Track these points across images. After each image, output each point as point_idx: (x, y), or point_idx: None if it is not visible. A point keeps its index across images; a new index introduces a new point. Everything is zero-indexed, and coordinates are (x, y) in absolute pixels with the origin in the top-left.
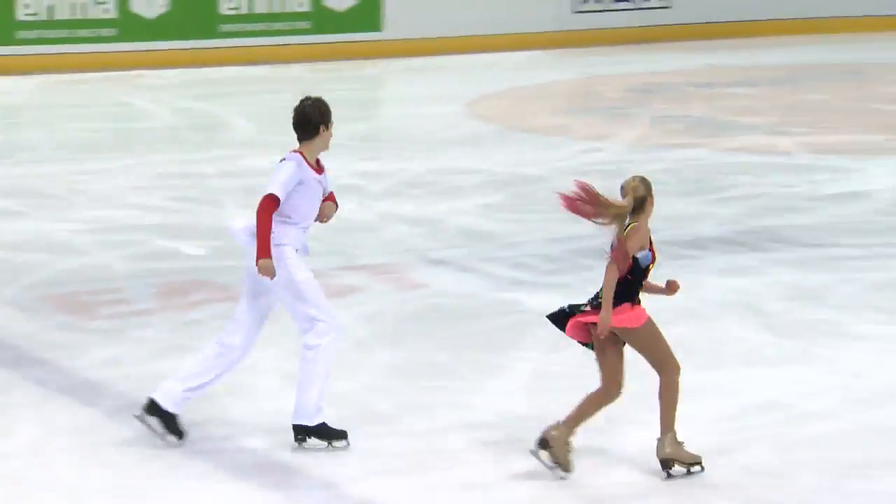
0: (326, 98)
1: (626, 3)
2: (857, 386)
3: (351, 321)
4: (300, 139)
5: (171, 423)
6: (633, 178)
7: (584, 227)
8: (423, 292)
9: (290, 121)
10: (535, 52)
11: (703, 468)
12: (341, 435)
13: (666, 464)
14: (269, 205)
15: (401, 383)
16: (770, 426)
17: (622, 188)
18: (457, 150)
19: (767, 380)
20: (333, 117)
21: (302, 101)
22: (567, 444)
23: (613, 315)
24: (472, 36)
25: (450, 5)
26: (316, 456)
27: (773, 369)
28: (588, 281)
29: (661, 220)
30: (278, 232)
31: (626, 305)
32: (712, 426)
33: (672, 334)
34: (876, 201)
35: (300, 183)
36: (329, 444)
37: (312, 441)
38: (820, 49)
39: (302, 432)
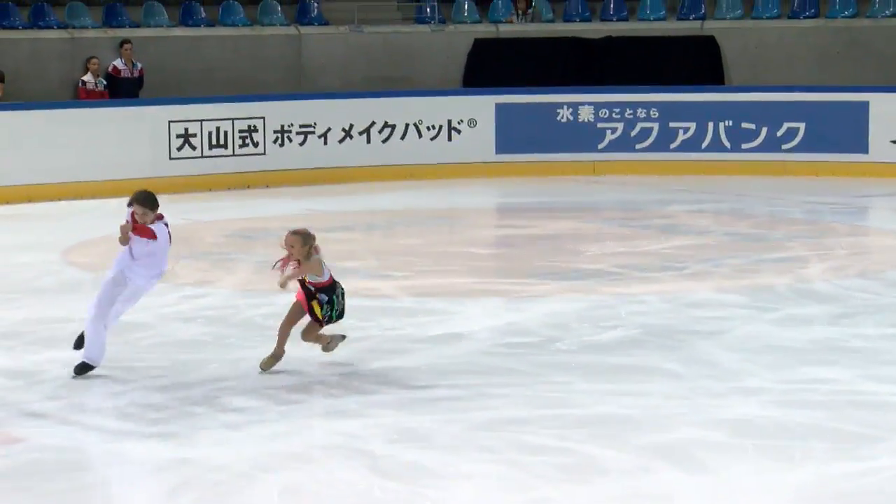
0: None
1: (221, 149)
2: None
3: None
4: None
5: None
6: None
7: (191, 376)
8: (22, 447)
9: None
10: None
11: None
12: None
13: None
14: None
15: None
16: None
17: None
18: (54, 298)
19: None
20: None
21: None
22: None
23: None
24: (65, 183)
25: (39, 152)
26: None
27: None
28: (196, 429)
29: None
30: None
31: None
32: None
33: (280, 480)
34: (475, 342)
35: None
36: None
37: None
38: (410, 194)
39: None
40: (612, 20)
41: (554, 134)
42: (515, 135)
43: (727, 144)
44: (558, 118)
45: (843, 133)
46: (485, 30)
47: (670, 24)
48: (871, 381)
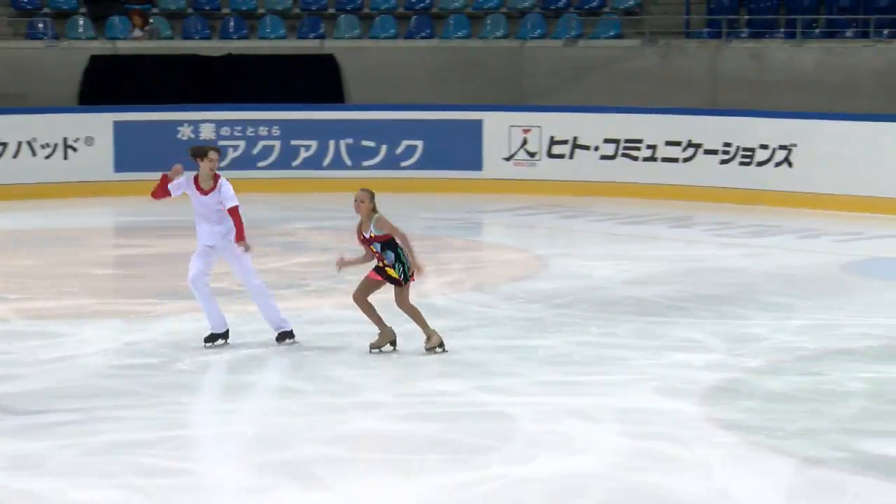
0: None
1: None
2: None
3: None
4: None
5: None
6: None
7: None
8: None
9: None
10: None
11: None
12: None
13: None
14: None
15: None
16: None
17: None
18: None
19: None
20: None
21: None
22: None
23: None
24: None
25: None
26: None
27: None
28: None
29: None
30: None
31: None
32: None
33: None
34: (93, 364)
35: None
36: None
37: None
38: (26, 215)
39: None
40: (232, 38)
41: (175, 152)
42: (135, 153)
43: (348, 162)
44: (179, 136)
45: (458, 151)
46: (101, 46)
47: (290, 42)
48: (483, 392)
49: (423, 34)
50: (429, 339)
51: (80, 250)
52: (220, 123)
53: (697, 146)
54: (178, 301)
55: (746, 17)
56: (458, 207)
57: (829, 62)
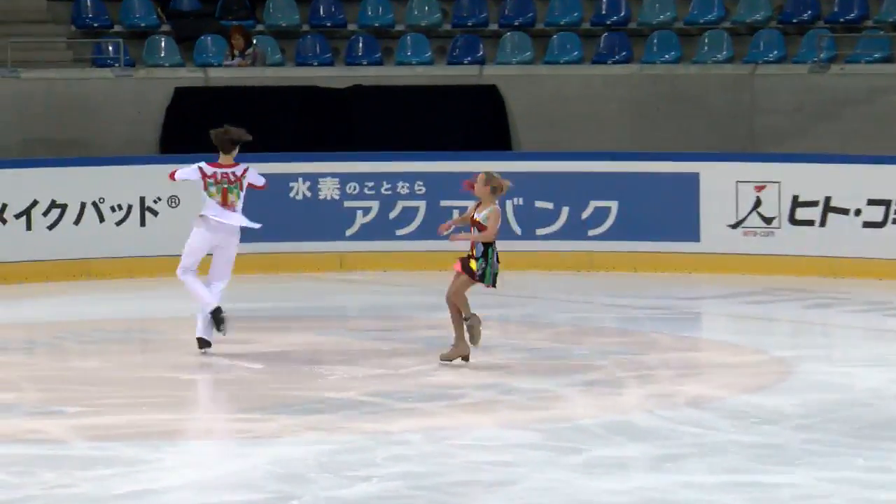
0: None
1: None
2: None
3: None
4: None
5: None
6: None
7: None
8: None
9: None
10: None
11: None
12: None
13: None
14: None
15: None
16: None
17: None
18: None
19: None
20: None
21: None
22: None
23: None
24: None
25: None
26: None
27: None
28: None
29: None
30: None
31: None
32: None
33: None
34: (177, 502)
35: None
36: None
37: None
38: (88, 299)
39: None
40: (361, 64)
41: (286, 216)
42: None
43: (517, 230)
44: (291, 195)
45: (667, 215)
46: (189, 76)
47: (439, 69)
48: None
49: (618, 58)
50: (454, 347)
51: (162, 348)
52: (345, 178)
53: None
54: (290, 416)
55: None
56: (667, 292)
57: None
